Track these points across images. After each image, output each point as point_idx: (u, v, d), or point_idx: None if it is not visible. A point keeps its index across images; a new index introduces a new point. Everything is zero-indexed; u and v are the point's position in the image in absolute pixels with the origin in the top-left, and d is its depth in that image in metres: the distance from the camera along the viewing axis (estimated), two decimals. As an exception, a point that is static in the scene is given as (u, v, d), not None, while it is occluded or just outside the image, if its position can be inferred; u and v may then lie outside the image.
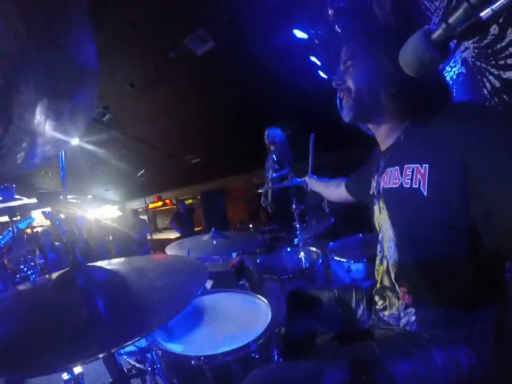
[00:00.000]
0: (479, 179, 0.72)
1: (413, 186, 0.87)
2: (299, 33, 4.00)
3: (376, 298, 1.18)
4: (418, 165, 0.87)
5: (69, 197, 1.00)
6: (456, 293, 0.89)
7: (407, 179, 0.90)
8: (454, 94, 1.53)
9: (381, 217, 1.09)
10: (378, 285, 1.18)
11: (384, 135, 1.08)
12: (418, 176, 0.86)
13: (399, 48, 0.67)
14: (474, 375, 0.89)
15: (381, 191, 1.08)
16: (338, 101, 1.11)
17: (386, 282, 1.11)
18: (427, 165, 0.84)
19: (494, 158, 0.69)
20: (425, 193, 0.83)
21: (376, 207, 1.14)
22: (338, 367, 0.90)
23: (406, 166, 0.92)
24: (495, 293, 0.90)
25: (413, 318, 0.99)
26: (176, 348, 1.22)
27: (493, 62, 1.18)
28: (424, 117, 0.91)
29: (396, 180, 0.97)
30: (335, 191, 1.79)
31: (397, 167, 0.97)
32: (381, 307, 1.15)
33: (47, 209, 1.05)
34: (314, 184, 2.05)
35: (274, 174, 4.28)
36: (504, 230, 0.70)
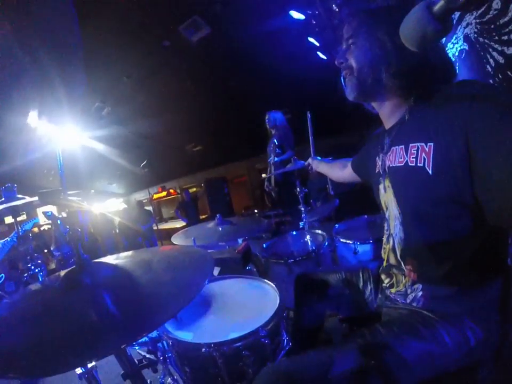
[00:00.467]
0: (480, 154, 0.71)
1: (418, 164, 0.87)
2: (296, 14, 3.93)
3: (383, 276, 1.19)
4: (423, 144, 0.86)
5: (70, 192, 1.00)
6: (460, 268, 0.90)
7: (412, 158, 0.90)
8: (457, 71, 1.50)
9: (387, 196, 1.09)
10: (384, 263, 1.19)
11: (388, 114, 1.07)
12: (423, 154, 0.85)
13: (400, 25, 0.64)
14: (483, 348, 0.91)
15: (387, 169, 1.07)
16: (342, 79, 1.09)
17: (392, 260, 1.12)
18: (432, 144, 0.83)
19: (493, 132, 0.68)
20: (430, 172, 0.83)
21: (381, 186, 1.13)
22: (347, 355, 0.91)
23: (411, 144, 0.91)
24: (499, 267, 0.91)
25: (420, 293, 1.00)
26: (186, 336, 1.23)
27: (496, 37, 1.14)
28: (428, 95, 0.89)
29: (401, 158, 0.96)
30: (341, 172, 1.77)
31: (402, 146, 0.96)
32: (388, 285, 1.16)
33: (48, 210, 1.05)
34: (318, 165, 2.02)
35: (276, 158, 4.26)
36: (505, 205, 0.69)
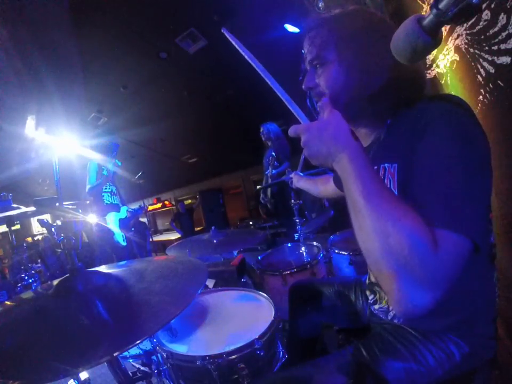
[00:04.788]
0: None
1: None
2: (291, 28, 3.97)
3: (368, 292, 1.18)
4: (389, 165, 0.86)
5: (66, 203, 1.00)
6: None
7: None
8: (449, 82, 1.52)
9: None
10: (368, 280, 1.19)
11: (364, 135, 1.02)
12: (389, 175, 0.85)
13: (377, 40, 0.66)
14: (472, 360, 0.89)
15: None
16: (311, 104, 1.05)
17: (372, 277, 1.13)
18: (396, 164, 0.83)
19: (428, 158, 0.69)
20: (396, 193, 0.82)
21: None
22: (326, 374, 0.91)
23: (381, 165, 0.90)
24: (481, 279, 0.88)
25: None
26: (180, 348, 1.22)
27: (487, 48, 1.16)
28: (401, 114, 0.87)
29: None
30: (323, 187, 1.75)
31: (376, 167, 0.94)
32: (372, 301, 1.15)
33: (44, 217, 1.04)
34: (299, 180, 1.99)
35: (273, 171, 4.25)
36: None
